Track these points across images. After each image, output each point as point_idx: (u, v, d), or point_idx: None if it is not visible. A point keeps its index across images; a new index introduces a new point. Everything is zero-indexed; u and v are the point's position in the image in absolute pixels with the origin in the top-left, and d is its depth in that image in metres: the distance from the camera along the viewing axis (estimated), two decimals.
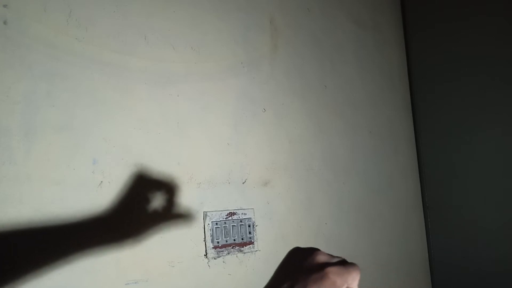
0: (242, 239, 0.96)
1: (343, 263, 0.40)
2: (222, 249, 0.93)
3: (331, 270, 0.38)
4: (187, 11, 0.98)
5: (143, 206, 0.84)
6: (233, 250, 0.95)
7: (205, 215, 0.92)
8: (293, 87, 1.15)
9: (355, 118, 1.29)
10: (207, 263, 0.91)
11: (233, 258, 0.95)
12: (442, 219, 1.38)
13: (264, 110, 1.08)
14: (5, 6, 0.74)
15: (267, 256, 1.00)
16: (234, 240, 0.95)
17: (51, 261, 0.72)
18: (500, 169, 1.22)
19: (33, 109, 0.75)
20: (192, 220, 0.90)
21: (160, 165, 0.88)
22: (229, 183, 0.98)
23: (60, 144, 0.77)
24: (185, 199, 0.90)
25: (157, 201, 0.86)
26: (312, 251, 0.42)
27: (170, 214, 0.87)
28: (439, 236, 1.39)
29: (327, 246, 1.13)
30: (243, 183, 1.00)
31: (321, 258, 0.41)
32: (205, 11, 1.01)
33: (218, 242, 0.92)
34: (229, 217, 0.95)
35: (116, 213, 0.80)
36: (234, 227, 0.96)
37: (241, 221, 0.97)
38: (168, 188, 0.88)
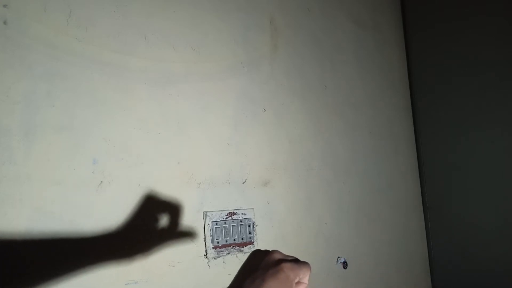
0: (242, 239, 0.96)
1: (296, 260, 0.48)
2: (222, 249, 0.93)
3: (285, 265, 0.45)
4: (187, 11, 0.98)
5: (143, 206, 0.84)
6: (233, 250, 0.95)
7: (205, 215, 0.92)
8: (293, 87, 1.15)
9: (355, 118, 1.29)
10: (207, 263, 0.91)
11: (233, 258, 0.95)
12: (442, 219, 1.38)
13: (264, 110, 1.08)
14: (5, 6, 0.74)
15: None
16: (234, 240, 0.95)
17: (51, 261, 0.72)
18: (500, 169, 1.22)
19: (33, 109, 0.75)
20: (192, 220, 0.90)
21: (160, 165, 0.88)
22: (229, 183, 0.98)
23: (60, 144, 0.77)
24: (185, 199, 0.90)
25: (157, 201, 0.86)
26: (269, 251, 0.49)
27: (170, 214, 0.87)
28: (439, 236, 1.39)
29: (327, 246, 1.13)
30: (243, 183, 1.00)
31: (276, 256, 0.48)
32: (205, 11, 1.01)
33: (218, 242, 0.92)
34: (229, 217, 0.95)
35: (116, 213, 0.80)
36: (234, 227, 0.96)
37: (241, 221, 0.97)
38: (168, 188, 0.88)
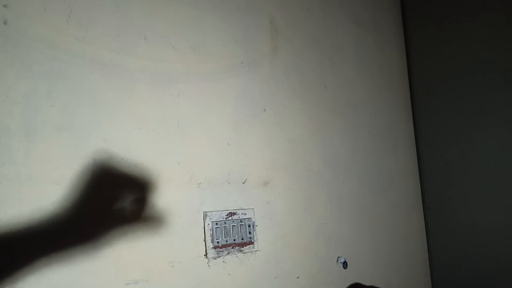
0: (242, 239, 0.96)
1: None
2: (222, 249, 0.93)
3: None
4: (187, 11, 0.98)
5: (143, 206, 0.83)
6: (233, 250, 0.95)
7: (205, 215, 0.92)
8: (293, 87, 1.15)
9: (355, 118, 1.29)
10: (207, 263, 0.91)
11: (233, 258, 0.95)
12: (442, 219, 1.38)
13: (264, 110, 1.08)
14: (5, 6, 0.74)
15: (267, 256, 1.00)
16: (234, 240, 0.95)
17: (52, 261, 0.72)
18: (500, 169, 1.22)
19: (33, 109, 0.75)
20: (192, 220, 0.90)
21: (160, 165, 0.88)
22: (229, 183, 0.98)
23: (60, 144, 0.77)
24: (185, 199, 0.90)
25: (157, 201, 0.86)
26: None
27: (170, 214, 0.87)
28: (439, 236, 1.39)
29: (327, 246, 1.13)
30: (243, 183, 1.00)
31: None
32: (205, 11, 1.01)
33: (218, 242, 0.92)
34: (229, 217, 0.95)
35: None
36: (234, 227, 0.96)
37: (241, 221, 0.97)
38: (168, 188, 0.88)
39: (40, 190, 0.73)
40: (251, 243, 0.98)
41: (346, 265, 1.15)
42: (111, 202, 0.79)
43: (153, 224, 0.85)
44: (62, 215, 0.75)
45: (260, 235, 1.00)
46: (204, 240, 0.91)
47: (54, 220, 0.74)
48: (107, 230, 0.78)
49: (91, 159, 0.79)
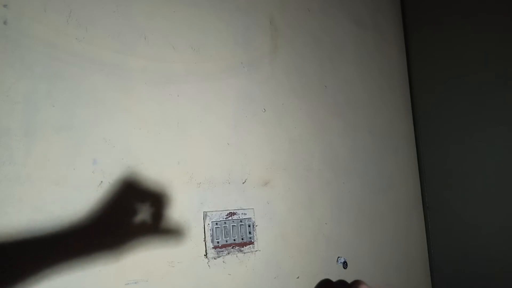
0: (242, 239, 0.96)
1: None
2: (222, 249, 0.93)
3: None
4: (187, 11, 0.98)
5: (143, 207, 0.83)
6: (233, 250, 0.95)
7: (205, 215, 0.92)
8: (293, 87, 1.15)
9: (355, 118, 1.29)
10: (207, 263, 0.91)
11: (233, 258, 0.95)
12: (442, 219, 1.38)
13: (264, 110, 1.08)
14: (5, 6, 0.74)
15: (267, 256, 1.00)
16: (234, 240, 0.95)
17: (51, 261, 0.72)
18: (500, 169, 1.22)
19: (33, 109, 0.75)
20: (192, 220, 0.90)
21: (160, 165, 0.88)
22: (229, 183, 0.98)
23: (60, 144, 0.77)
24: (185, 199, 0.90)
25: (157, 201, 0.86)
26: (349, 284, 0.38)
27: (170, 214, 0.87)
28: (439, 236, 1.39)
29: (327, 246, 1.13)
30: (243, 183, 1.00)
31: None
32: (205, 11, 1.01)
33: (218, 242, 0.92)
34: (229, 217, 0.95)
35: (116, 213, 0.80)
36: (234, 227, 0.95)
37: (241, 221, 0.97)
38: (168, 188, 0.88)
39: (40, 190, 0.73)
40: (251, 243, 0.98)
41: (346, 265, 1.15)
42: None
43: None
44: (68, 220, 0.75)
45: (260, 235, 1.00)
46: (204, 240, 0.91)
47: (58, 225, 0.74)
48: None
49: (91, 159, 0.79)
